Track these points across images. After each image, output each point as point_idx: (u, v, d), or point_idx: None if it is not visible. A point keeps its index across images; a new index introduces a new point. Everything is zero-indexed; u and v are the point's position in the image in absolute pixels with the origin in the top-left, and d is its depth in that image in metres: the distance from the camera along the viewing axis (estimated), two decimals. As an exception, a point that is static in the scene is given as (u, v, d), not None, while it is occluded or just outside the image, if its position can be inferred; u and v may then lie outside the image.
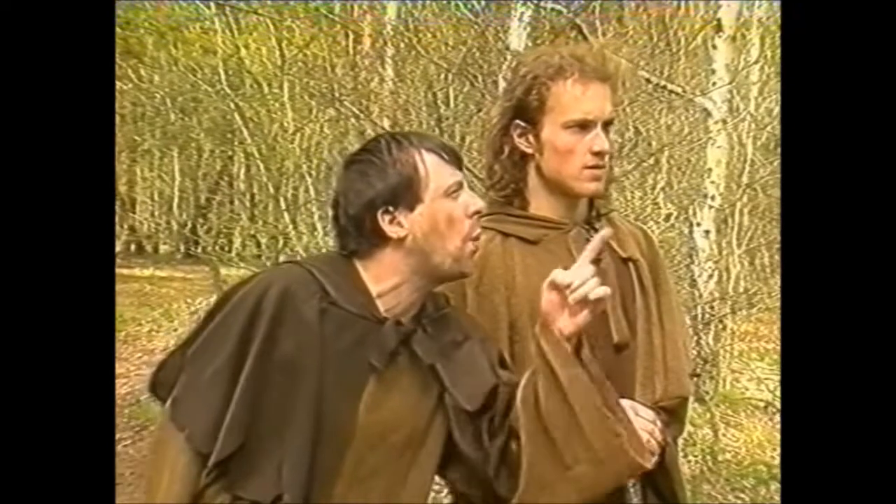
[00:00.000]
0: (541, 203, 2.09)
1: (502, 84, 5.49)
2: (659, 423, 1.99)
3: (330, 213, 1.91)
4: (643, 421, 1.96)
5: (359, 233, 1.83)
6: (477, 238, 1.86)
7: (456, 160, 1.87)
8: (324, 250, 7.30)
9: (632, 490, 1.97)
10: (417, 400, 1.84)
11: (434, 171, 1.83)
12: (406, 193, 1.81)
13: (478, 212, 1.86)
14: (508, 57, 5.62)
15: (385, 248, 1.83)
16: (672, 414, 2.08)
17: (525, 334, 2.01)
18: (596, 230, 2.09)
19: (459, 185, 1.85)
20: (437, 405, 1.86)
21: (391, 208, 1.81)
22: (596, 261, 2.06)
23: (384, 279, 1.84)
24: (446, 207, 1.83)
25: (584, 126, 2.02)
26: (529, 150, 2.06)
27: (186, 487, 1.72)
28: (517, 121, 2.05)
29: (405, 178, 1.81)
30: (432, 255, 1.82)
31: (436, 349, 1.86)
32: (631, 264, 2.10)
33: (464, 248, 1.84)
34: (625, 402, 1.98)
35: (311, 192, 9.25)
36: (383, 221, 1.81)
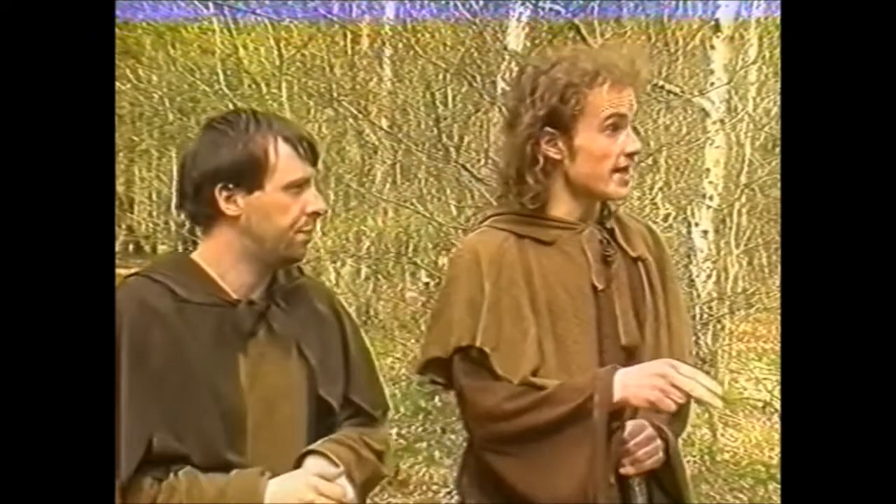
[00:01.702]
0: (560, 206, 2.08)
1: (501, 84, 5.49)
2: (699, 373, 1.94)
3: (176, 171, 1.96)
4: (684, 379, 1.91)
5: (196, 199, 1.85)
6: (309, 232, 1.89)
7: (312, 155, 1.88)
8: (321, 250, 7.29)
9: (637, 488, 1.97)
10: (288, 369, 1.89)
11: (284, 162, 1.84)
12: (249, 176, 1.82)
13: (316, 213, 1.88)
14: (506, 57, 5.61)
15: (221, 224, 1.86)
16: (676, 412, 2.08)
17: (545, 333, 2.02)
18: (607, 229, 2.10)
19: (305, 182, 1.86)
20: (308, 372, 1.91)
21: (231, 186, 1.82)
22: (607, 262, 2.07)
23: (223, 258, 1.87)
24: (283, 201, 1.84)
25: (616, 128, 2.02)
26: (558, 157, 2.04)
27: None
28: (547, 128, 2.02)
29: (253, 161, 1.82)
30: (262, 240, 1.85)
31: (293, 321, 1.90)
32: (640, 263, 2.11)
33: (294, 237, 1.87)
34: (668, 361, 1.95)
35: (309, 192, 9.23)
36: (220, 196, 1.83)
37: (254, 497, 1.75)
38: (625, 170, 2.05)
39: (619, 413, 1.97)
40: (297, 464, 1.83)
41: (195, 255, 1.91)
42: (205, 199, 1.84)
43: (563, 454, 1.96)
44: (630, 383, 1.95)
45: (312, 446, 1.85)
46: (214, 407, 1.80)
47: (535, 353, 2.01)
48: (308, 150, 1.87)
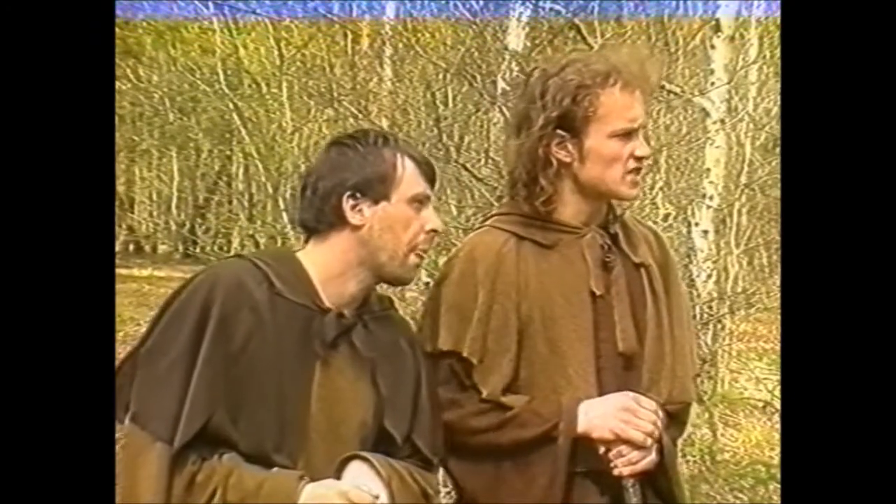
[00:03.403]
0: (567, 208, 2.08)
1: (501, 84, 5.48)
2: (660, 412, 2.00)
3: (300, 186, 1.99)
4: (646, 412, 1.98)
5: (321, 209, 1.90)
6: (423, 252, 1.95)
7: (431, 177, 1.96)
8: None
9: (631, 490, 1.98)
10: (359, 391, 1.91)
11: (409, 176, 1.92)
12: (377, 186, 1.89)
13: (434, 230, 1.94)
14: (507, 57, 5.61)
15: (341, 232, 1.90)
16: (674, 417, 2.10)
17: (537, 339, 2.02)
18: (610, 234, 2.10)
19: (427, 199, 1.94)
20: (376, 400, 1.92)
21: (358, 195, 1.89)
22: (607, 267, 2.07)
23: (331, 265, 1.91)
24: (407, 214, 1.91)
25: (628, 133, 2.03)
26: (568, 160, 2.04)
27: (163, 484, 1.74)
28: (558, 131, 2.02)
29: (381, 172, 1.90)
30: (381, 251, 1.90)
31: (375, 346, 1.93)
32: (643, 270, 2.11)
33: (409, 257, 1.93)
34: (628, 395, 2.00)
35: (310, 192, 9.23)
36: (346, 204, 1.89)
37: (288, 499, 1.76)
38: (635, 171, 2.05)
39: (576, 444, 1.99)
40: (340, 468, 1.83)
41: (300, 255, 1.95)
42: (330, 208, 1.90)
43: (523, 476, 1.99)
44: (593, 415, 1.98)
45: (358, 452, 1.85)
46: (276, 405, 1.82)
47: (510, 371, 2.02)
48: (428, 171, 1.96)
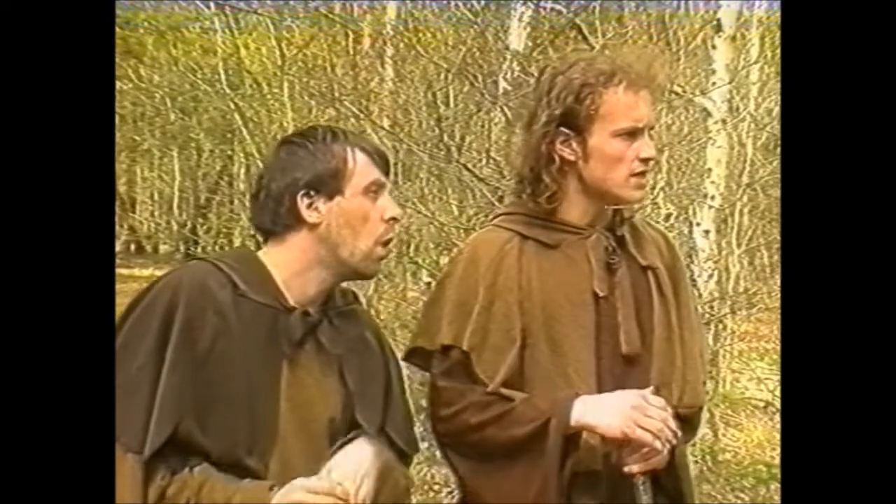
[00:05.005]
0: (572, 208, 2.08)
1: (502, 84, 5.49)
2: (669, 408, 1.98)
3: (253, 188, 1.98)
4: (656, 410, 1.95)
5: (276, 210, 1.89)
6: (388, 243, 1.93)
7: (384, 166, 1.95)
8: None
9: (641, 487, 1.97)
10: (326, 387, 1.91)
11: (361, 167, 1.90)
12: (330, 182, 1.88)
13: (393, 218, 1.92)
14: (508, 57, 5.62)
15: (299, 232, 1.89)
16: (686, 421, 2.09)
17: (538, 338, 2.01)
18: (616, 236, 2.10)
19: (382, 186, 1.92)
20: (345, 395, 1.92)
21: (312, 192, 1.88)
22: (611, 269, 2.07)
23: (291, 265, 1.90)
24: (364, 205, 1.90)
25: (632, 133, 2.02)
26: (572, 158, 2.04)
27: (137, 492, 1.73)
28: (562, 128, 2.03)
29: (332, 168, 1.89)
30: (341, 247, 1.89)
31: (341, 342, 1.92)
32: (650, 272, 2.10)
33: (373, 250, 1.91)
34: (638, 392, 1.97)
35: (311, 192, 9.24)
36: (302, 203, 1.88)
37: None
38: (640, 174, 2.05)
39: (575, 440, 1.97)
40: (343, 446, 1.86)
41: (261, 255, 1.93)
42: (285, 208, 1.88)
43: (516, 478, 1.98)
44: (600, 411, 1.95)
45: (341, 441, 1.86)
46: (246, 406, 1.81)
47: (517, 363, 2.01)
48: (381, 160, 1.95)
